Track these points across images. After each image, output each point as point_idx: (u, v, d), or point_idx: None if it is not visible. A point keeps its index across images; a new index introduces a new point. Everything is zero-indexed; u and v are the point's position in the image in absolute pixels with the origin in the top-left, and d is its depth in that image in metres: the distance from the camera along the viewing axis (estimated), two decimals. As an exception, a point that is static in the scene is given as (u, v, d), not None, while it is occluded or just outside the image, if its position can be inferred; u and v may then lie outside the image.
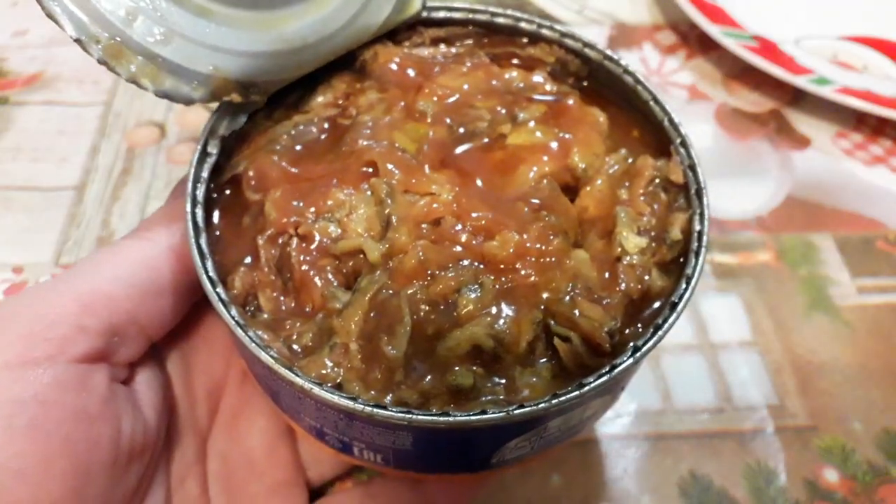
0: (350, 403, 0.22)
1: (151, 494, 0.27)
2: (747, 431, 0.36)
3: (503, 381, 0.23)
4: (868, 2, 0.58)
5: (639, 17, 0.59)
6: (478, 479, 0.30)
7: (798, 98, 0.53)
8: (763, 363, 0.39)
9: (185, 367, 0.29)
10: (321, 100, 0.29)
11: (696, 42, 0.57)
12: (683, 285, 0.24)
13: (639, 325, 0.24)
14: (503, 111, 0.29)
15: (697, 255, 0.25)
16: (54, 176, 0.47)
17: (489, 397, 0.23)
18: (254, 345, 0.23)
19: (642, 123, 0.29)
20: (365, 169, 0.26)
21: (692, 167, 0.27)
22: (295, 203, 0.25)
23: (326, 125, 0.28)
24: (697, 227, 0.26)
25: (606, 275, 0.25)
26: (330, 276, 0.24)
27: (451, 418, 0.21)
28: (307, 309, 0.24)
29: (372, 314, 0.23)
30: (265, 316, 0.24)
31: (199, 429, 0.30)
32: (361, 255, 0.24)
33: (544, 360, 0.24)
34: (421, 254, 0.24)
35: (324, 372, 0.23)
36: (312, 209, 0.25)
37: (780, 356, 0.39)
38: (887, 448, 0.36)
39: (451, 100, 0.29)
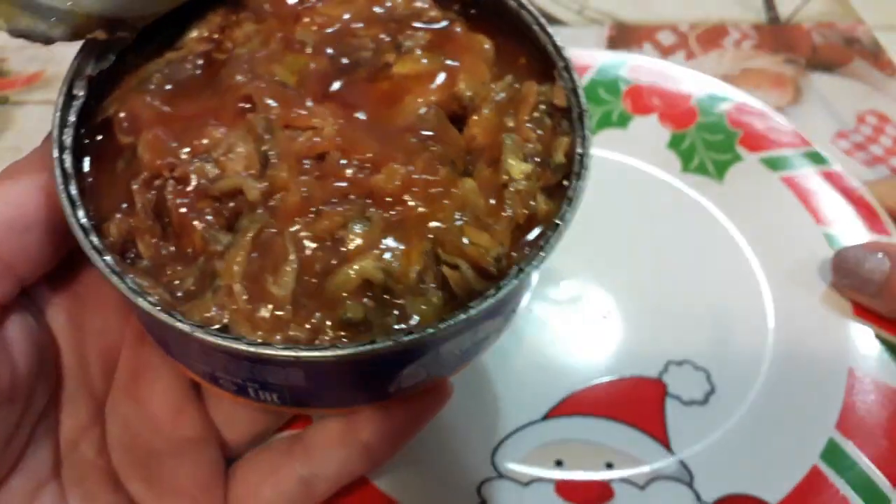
0: (234, 344, 0.21)
1: (32, 456, 0.26)
2: None
3: (395, 311, 0.23)
4: None
5: (639, 17, 0.58)
6: (407, 418, 0.29)
7: (798, 97, 0.52)
8: None
9: (74, 326, 0.28)
10: (194, 35, 0.28)
11: (696, 42, 0.56)
12: (566, 207, 0.24)
13: (525, 249, 0.25)
14: (387, 39, 0.28)
15: (579, 176, 0.25)
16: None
17: (381, 328, 0.23)
18: (130, 291, 0.22)
19: (529, 50, 0.28)
20: (242, 105, 0.25)
21: (574, 91, 0.27)
22: (169, 144, 0.24)
23: (201, 61, 0.27)
24: (579, 150, 0.26)
25: (493, 201, 0.25)
26: (210, 218, 0.24)
27: (337, 351, 0.21)
28: (188, 252, 0.24)
29: (255, 254, 0.23)
30: (145, 263, 0.24)
31: (92, 391, 0.29)
32: (242, 195, 0.24)
33: (435, 287, 0.24)
34: (304, 190, 0.24)
35: (208, 315, 0.22)
36: (188, 149, 0.24)
37: None
38: None
39: (332, 29, 0.28)
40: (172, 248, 0.24)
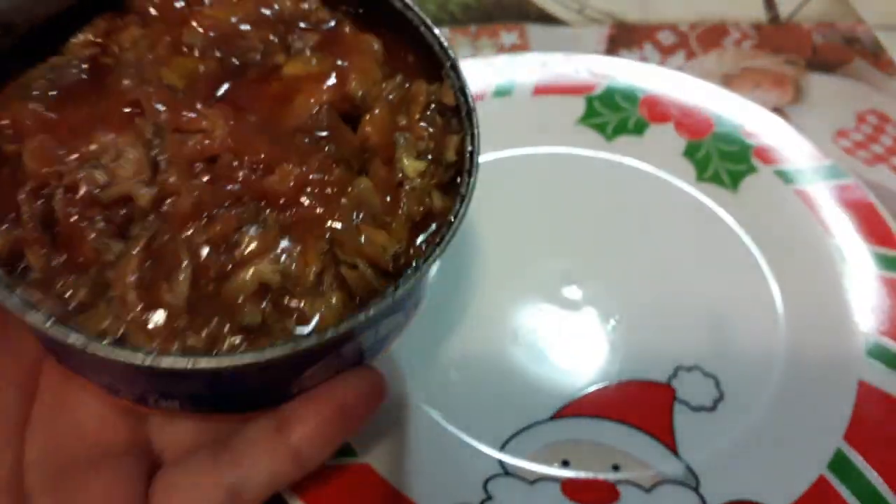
0: (130, 358, 0.21)
1: None
2: None
3: (294, 314, 0.23)
4: None
5: (639, 17, 0.58)
6: (339, 420, 0.27)
7: (798, 97, 0.53)
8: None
9: None
10: (79, 39, 0.27)
11: (696, 42, 0.57)
12: (458, 204, 0.25)
13: (422, 245, 0.25)
14: (276, 41, 0.28)
15: (469, 174, 0.26)
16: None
17: (280, 332, 0.23)
18: (19, 306, 0.21)
19: (416, 49, 0.29)
20: (131, 110, 0.25)
21: (462, 89, 0.27)
22: (56, 151, 0.24)
23: (87, 66, 0.26)
24: (469, 148, 0.26)
25: (389, 199, 0.25)
26: (101, 226, 0.23)
27: (234, 360, 0.21)
28: (80, 262, 0.23)
29: (148, 262, 0.23)
30: (35, 275, 0.23)
31: (9, 415, 0.27)
32: (133, 202, 0.23)
33: (333, 288, 0.24)
34: (195, 194, 0.23)
35: (103, 326, 0.22)
36: (76, 156, 0.24)
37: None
38: None
39: (220, 31, 0.27)
40: (63, 259, 0.23)
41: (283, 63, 0.27)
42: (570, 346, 0.38)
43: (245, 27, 0.28)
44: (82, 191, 0.23)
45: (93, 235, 0.23)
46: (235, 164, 0.24)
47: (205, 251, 0.23)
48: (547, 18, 0.58)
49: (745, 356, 0.38)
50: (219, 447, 0.27)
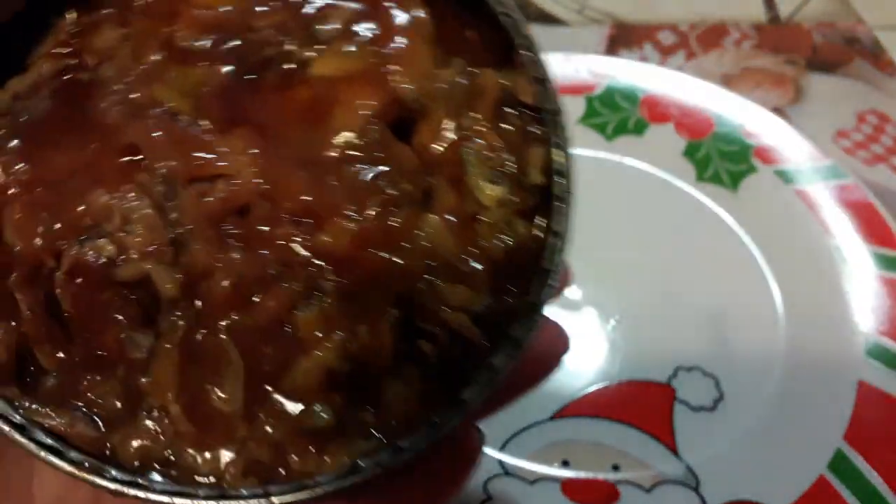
0: (190, 500, 0.17)
1: None
2: None
3: (369, 403, 0.19)
4: None
5: (639, 17, 0.58)
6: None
7: (798, 97, 0.53)
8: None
9: None
10: (42, 50, 0.21)
11: (696, 42, 0.57)
12: (553, 244, 0.19)
13: (508, 294, 0.20)
14: (295, 27, 0.21)
15: (562, 199, 0.20)
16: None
17: (355, 428, 0.18)
18: (42, 453, 0.18)
19: (475, 19, 0.21)
20: (127, 158, 0.19)
21: (543, 80, 0.20)
22: (44, 221, 0.19)
23: (57, 87, 0.20)
24: (560, 161, 0.20)
25: (463, 238, 0.19)
26: (120, 316, 0.19)
27: (317, 489, 0.18)
28: (102, 356, 0.19)
29: (188, 363, 0.18)
30: (52, 380, 0.19)
31: None
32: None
33: (408, 361, 0.19)
34: (233, 274, 0.18)
35: (145, 444, 0.18)
36: (69, 225, 0.19)
37: None
38: None
39: (223, 25, 0.21)
40: (82, 353, 0.19)
41: (310, 60, 0.20)
42: (571, 346, 0.38)
43: (255, 16, 0.21)
44: (89, 269, 0.19)
45: (113, 326, 0.19)
46: (271, 212, 0.19)
47: (254, 341, 0.18)
48: (547, 18, 0.58)
49: (745, 356, 0.38)
50: None
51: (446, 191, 0.20)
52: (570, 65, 0.49)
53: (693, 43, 0.57)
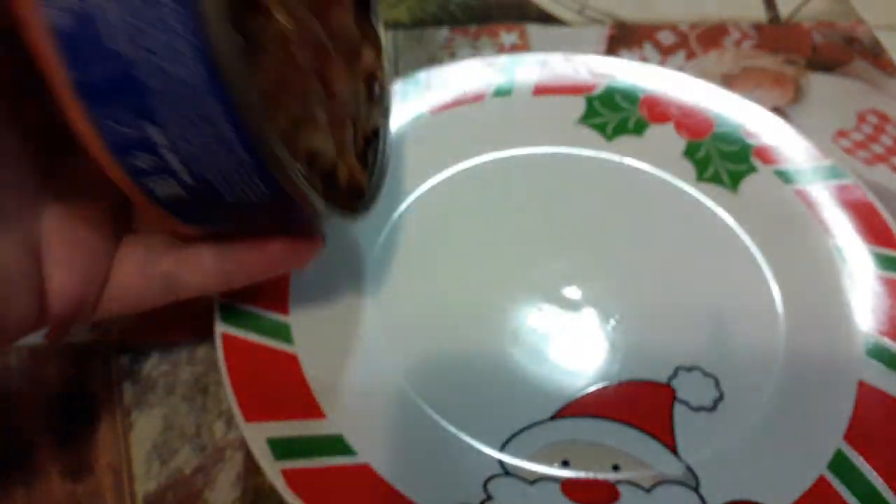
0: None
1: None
2: None
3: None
4: None
5: (639, 17, 0.58)
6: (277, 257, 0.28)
7: (798, 97, 0.53)
8: None
9: None
10: None
11: (696, 42, 0.57)
12: None
13: None
14: None
15: None
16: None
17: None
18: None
19: None
20: None
21: None
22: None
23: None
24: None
25: None
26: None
27: None
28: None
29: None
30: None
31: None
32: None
33: None
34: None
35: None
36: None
37: None
38: None
39: None
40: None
41: None
42: (570, 346, 0.38)
43: None
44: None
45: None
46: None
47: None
48: (547, 18, 0.57)
49: (745, 356, 0.38)
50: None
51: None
52: (570, 65, 0.49)
53: (693, 43, 0.57)
